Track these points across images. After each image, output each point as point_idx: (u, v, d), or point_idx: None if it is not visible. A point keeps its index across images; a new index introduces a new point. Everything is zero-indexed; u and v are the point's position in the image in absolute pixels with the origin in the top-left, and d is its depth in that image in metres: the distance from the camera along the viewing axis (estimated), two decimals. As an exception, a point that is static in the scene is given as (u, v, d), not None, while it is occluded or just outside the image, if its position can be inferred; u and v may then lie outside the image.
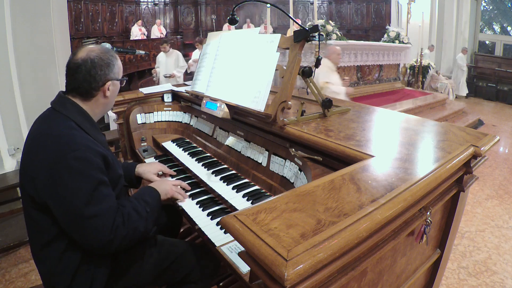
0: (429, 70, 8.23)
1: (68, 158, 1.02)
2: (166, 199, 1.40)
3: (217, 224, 1.30)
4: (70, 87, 1.19)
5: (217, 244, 1.17)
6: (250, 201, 1.36)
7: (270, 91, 1.42)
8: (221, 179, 1.56)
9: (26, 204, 1.11)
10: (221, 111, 1.58)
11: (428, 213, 1.01)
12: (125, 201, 1.21)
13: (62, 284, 1.11)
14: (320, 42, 1.77)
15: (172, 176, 1.70)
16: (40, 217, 1.09)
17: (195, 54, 6.54)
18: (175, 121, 2.32)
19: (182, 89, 2.33)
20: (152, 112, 2.30)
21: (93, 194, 1.04)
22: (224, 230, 1.24)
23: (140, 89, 2.43)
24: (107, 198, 1.08)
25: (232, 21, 1.65)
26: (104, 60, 1.19)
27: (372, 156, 1.06)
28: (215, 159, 1.79)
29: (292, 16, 1.75)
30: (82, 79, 1.17)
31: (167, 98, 2.39)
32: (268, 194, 1.42)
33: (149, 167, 1.61)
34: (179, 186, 1.51)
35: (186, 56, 10.92)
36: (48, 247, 1.10)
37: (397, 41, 6.43)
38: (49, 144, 1.05)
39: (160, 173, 1.66)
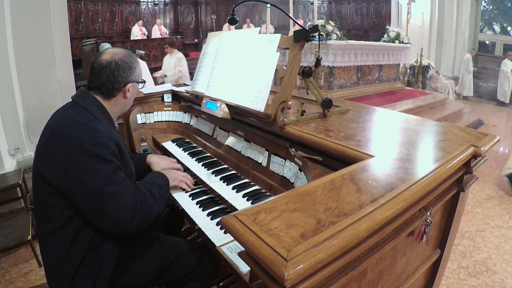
0: (429, 70, 8.23)
1: (88, 143, 1.06)
2: (173, 186, 1.48)
3: (217, 224, 1.30)
4: (92, 85, 1.26)
5: (217, 244, 1.17)
6: (250, 201, 1.36)
7: (270, 91, 1.42)
8: (221, 179, 1.56)
9: (39, 189, 1.13)
10: (221, 111, 1.58)
11: (428, 213, 1.01)
12: (139, 184, 1.28)
13: (65, 275, 1.11)
14: (320, 42, 1.77)
15: None
16: (52, 202, 1.11)
17: (166, 61, 5.22)
18: (175, 121, 2.32)
19: (182, 89, 2.33)
20: (152, 112, 2.30)
21: (112, 175, 1.08)
22: (224, 230, 1.24)
23: (140, 89, 2.43)
24: (125, 180, 1.13)
25: (232, 21, 1.66)
26: (127, 63, 1.28)
27: (372, 156, 1.06)
28: (215, 159, 1.79)
29: (292, 16, 1.75)
30: (106, 79, 1.24)
31: (167, 98, 2.39)
32: (268, 194, 1.42)
33: (160, 160, 1.64)
34: (187, 176, 1.58)
35: (187, 56, 10.97)
36: (56, 235, 1.11)
37: (397, 41, 6.43)
38: (69, 130, 1.10)
39: None
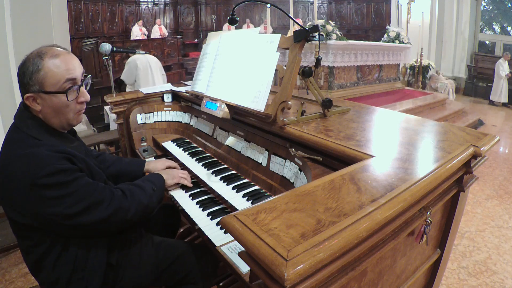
0: (429, 70, 8.23)
1: (40, 178, 0.97)
2: (173, 184, 1.50)
3: (217, 224, 1.30)
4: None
5: (217, 244, 1.17)
6: (250, 201, 1.36)
7: (270, 91, 1.43)
8: (221, 179, 1.56)
9: (13, 225, 1.09)
10: (221, 111, 1.58)
11: (428, 213, 1.01)
12: (127, 183, 1.28)
13: None
14: (320, 42, 1.78)
15: None
16: (30, 234, 1.07)
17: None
18: (175, 121, 2.32)
19: (182, 89, 2.33)
20: (152, 112, 2.30)
21: (78, 192, 1.03)
22: (224, 230, 1.24)
23: (140, 89, 2.43)
24: (92, 185, 1.08)
25: (232, 21, 1.66)
26: (25, 66, 1.06)
27: (372, 156, 1.06)
28: (215, 159, 1.79)
29: (292, 16, 1.75)
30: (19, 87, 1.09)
31: (167, 98, 2.39)
32: (268, 194, 1.42)
33: (157, 164, 1.66)
34: (186, 173, 1.60)
35: (186, 56, 10.99)
36: (43, 259, 1.09)
37: (397, 41, 6.43)
38: (17, 168, 0.99)
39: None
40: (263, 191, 1.44)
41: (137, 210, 1.18)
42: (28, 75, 1.04)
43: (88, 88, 1.20)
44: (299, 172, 1.32)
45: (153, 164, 1.65)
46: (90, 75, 1.22)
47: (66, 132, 1.20)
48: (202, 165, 1.72)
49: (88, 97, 1.17)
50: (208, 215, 1.38)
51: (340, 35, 5.10)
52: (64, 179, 1.01)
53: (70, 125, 1.17)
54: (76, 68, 1.11)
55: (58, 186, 1.00)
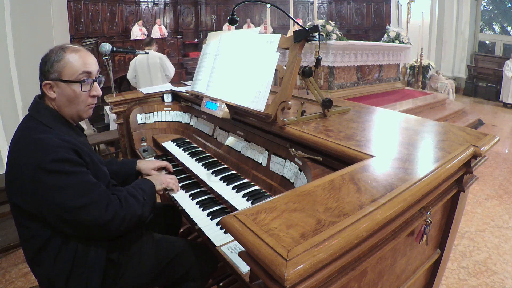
0: (429, 70, 8.23)
1: (46, 162, 1.01)
2: (161, 189, 1.45)
3: (217, 224, 1.30)
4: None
5: (217, 244, 1.17)
6: (250, 201, 1.37)
7: (270, 91, 1.43)
8: (221, 179, 1.56)
9: (15, 213, 1.11)
10: (221, 111, 1.58)
11: (428, 213, 1.01)
12: (121, 188, 1.25)
13: (58, 286, 1.11)
14: (320, 42, 1.78)
15: (171, 174, 1.70)
16: (31, 223, 1.09)
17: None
18: (175, 121, 2.32)
19: (182, 89, 2.33)
20: (152, 112, 2.30)
21: (79, 186, 1.05)
22: (224, 230, 1.24)
23: (140, 89, 2.43)
24: (95, 185, 1.10)
25: (232, 21, 1.66)
26: (48, 56, 1.17)
27: (372, 156, 1.06)
28: (215, 159, 1.79)
29: (292, 16, 1.75)
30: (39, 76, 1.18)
31: (167, 98, 2.39)
32: (268, 194, 1.42)
33: (149, 163, 1.65)
34: (175, 179, 1.56)
35: (186, 56, 11.00)
36: (43, 251, 1.10)
37: (397, 41, 6.42)
38: (25, 154, 1.04)
39: (164, 172, 1.68)
40: (263, 191, 1.44)
41: (131, 220, 1.17)
42: (50, 63, 1.15)
43: (101, 86, 1.27)
44: (299, 172, 1.32)
45: (144, 163, 1.64)
46: (103, 76, 1.30)
47: (75, 126, 1.26)
48: (202, 165, 1.72)
49: (100, 92, 1.25)
50: (208, 215, 1.38)
51: (340, 35, 5.10)
52: (68, 169, 1.04)
53: (80, 117, 1.24)
54: (92, 64, 1.21)
55: (61, 174, 1.03)
